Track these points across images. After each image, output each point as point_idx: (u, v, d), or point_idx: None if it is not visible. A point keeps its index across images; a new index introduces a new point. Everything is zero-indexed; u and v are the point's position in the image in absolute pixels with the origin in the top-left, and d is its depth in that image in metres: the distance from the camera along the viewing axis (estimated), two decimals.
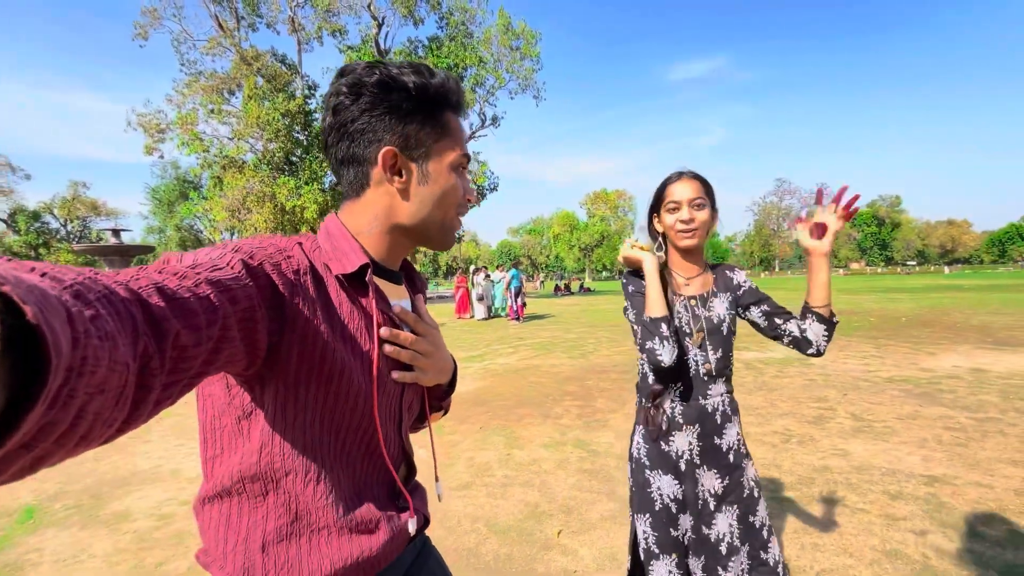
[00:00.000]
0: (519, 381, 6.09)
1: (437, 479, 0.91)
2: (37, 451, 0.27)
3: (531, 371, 6.65)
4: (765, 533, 1.38)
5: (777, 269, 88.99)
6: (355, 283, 0.68)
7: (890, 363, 6.20)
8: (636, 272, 1.43)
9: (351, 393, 0.65)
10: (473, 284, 14.36)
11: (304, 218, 17.76)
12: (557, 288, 32.14)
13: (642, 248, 1.39)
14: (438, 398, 0.90)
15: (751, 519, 1.38)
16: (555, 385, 5.78)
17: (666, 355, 1.29)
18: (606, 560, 2.30)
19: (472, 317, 14.21)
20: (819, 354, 1.38)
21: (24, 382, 0.25)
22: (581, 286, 34.85)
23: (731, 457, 1.39)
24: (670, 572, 1.34)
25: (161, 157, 18.43)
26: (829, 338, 1.37)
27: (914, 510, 2.60)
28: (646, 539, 1.38)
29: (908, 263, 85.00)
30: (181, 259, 0.50)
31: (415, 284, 0.87)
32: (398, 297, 0.78)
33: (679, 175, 1.39)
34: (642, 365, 1.47)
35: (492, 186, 21.62)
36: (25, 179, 51.56)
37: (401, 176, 0.69)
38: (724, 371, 1.40)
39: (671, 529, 1.36)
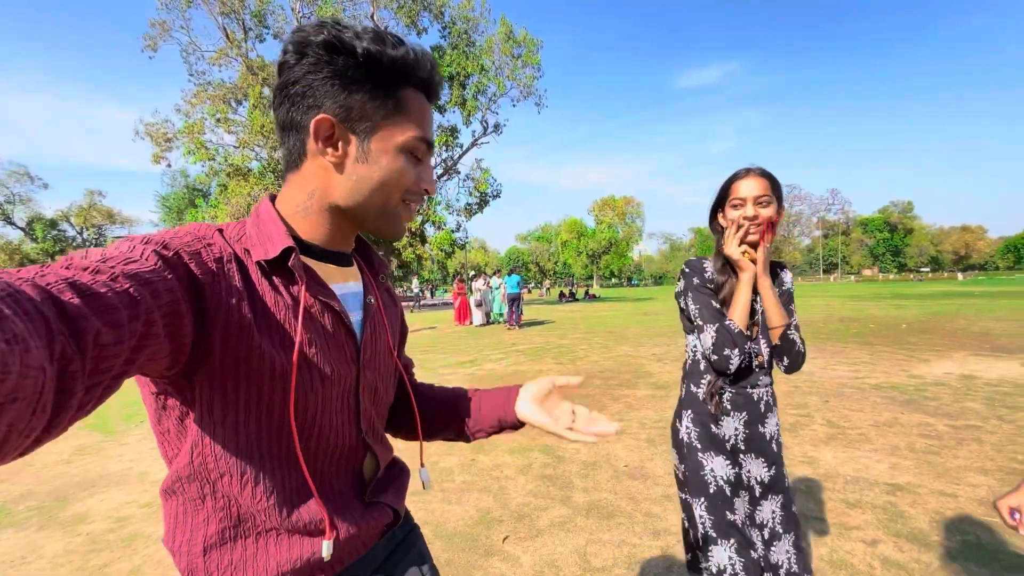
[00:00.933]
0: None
1: (423, 465, 0.87)
2: None
3: (516, 376, 6.62)
4: (801, 524, 1.46)
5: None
6: (280, 269, 0.62)
7: (880, 370, 6.08)
8: (696, 264, 1.48)
9: (285, 389, 0.60)
10: (472, 291, 14.38)
11: None
12: (562, 295, 32.07)
13: (752, 259, 1.38)
14: (440, 427, 0.89)
15: (792, 508, 1.43)
16: None
17: (735, 364, 1.35)
18: (545, 567, 2.27)
19: (471, 324, 14.21)
20: (786, 372, 1.44)
21: None
22: (587, 293, 34.75)
23: (774, 447, 1.44)
24: (730, 558, 1.32)
25: (168, 166, 18.77)
26: (784, 363, 1.42)
27: (870, 519, 2.54)
28: (703, 523, 1.38)
29: (921, 269, 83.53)
30: (87, 255, 0.45)
31: (373, 265, 0.81)
32: (344, 279, 0.72)
33: (746, 171, 1.40)
34: (694, 352, 1.50)
35: (495, 193, 21.65)
36: (43, 188, 52.81)
37: (337, 149, 0.62)
38: (770, 364, 1.46)
39: (727, 512, 1.36)
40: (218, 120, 18.55)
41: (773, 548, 1.38)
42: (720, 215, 1.47)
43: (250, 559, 0.62)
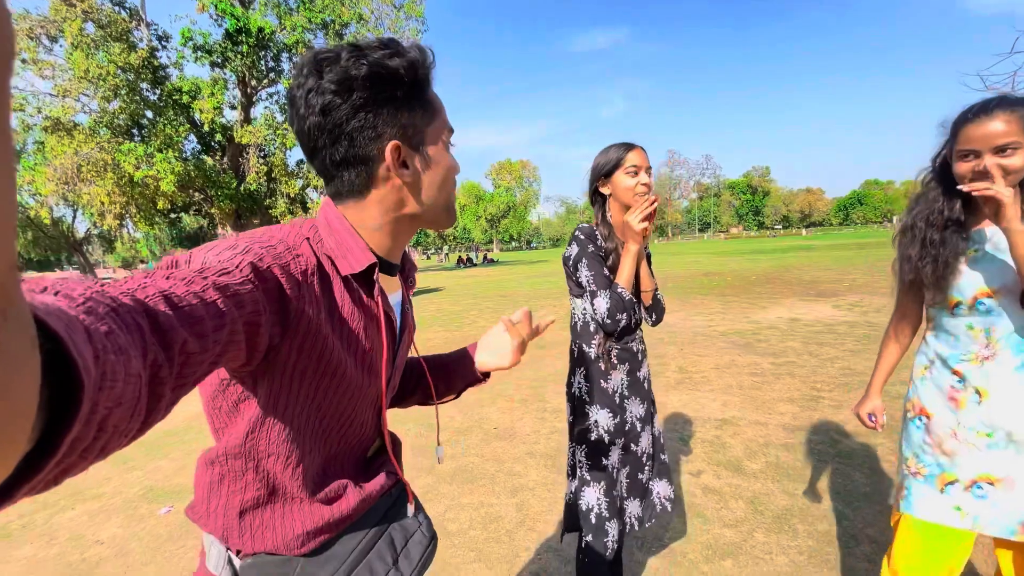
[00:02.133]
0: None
1: (439, 444, 1.00)
2: (64, 464, 0.28)
3: None
4: (662, 438, 1.71)
5: (670, 235, 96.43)
6: (360, 281, 0.68)
7: (728, 318, 6.90)
8: (589, 231, 1.54)
9: (343, 387, 0.67)
10: None
11: (160, 191, 15.57)
12: (460, 260, 31.91)
13: (645, 232, 1.44)
14: (445, 385, 1.00)
15: (655, 432, 1.67)
16: None
17: (624, 327, 1.46)
18: None
19: None
20: (653, 326, 1.65)
21: (54, 404, 0.26)
22: (485, 257, 34.94)
23: (646, 386, 1.62)
24: (598, 498, 1.51)
25: None
26: (652, 318, 1.61)
27: (698, 453, 2.87)
28: (581, 467, 1.56)
29: (776, 227, 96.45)
30: (190, 261, 0.51)
31: (404, 269, 0.85)
32: (393, 290, 0.79)
33: (633, 144, 1.50)
34: (584, 315, 1.59)
35: None
36: None
37: (407, 168, 0.66)
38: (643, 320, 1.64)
39: (602, 458, 1.52)
40: (24, 61, 15.05)
41: (647, 466, 1.61)
42: (601, 183, 1.54)
43: (278, 520, 0.70)
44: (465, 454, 3.10)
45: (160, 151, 15.63)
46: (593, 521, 1.52)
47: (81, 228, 32.73)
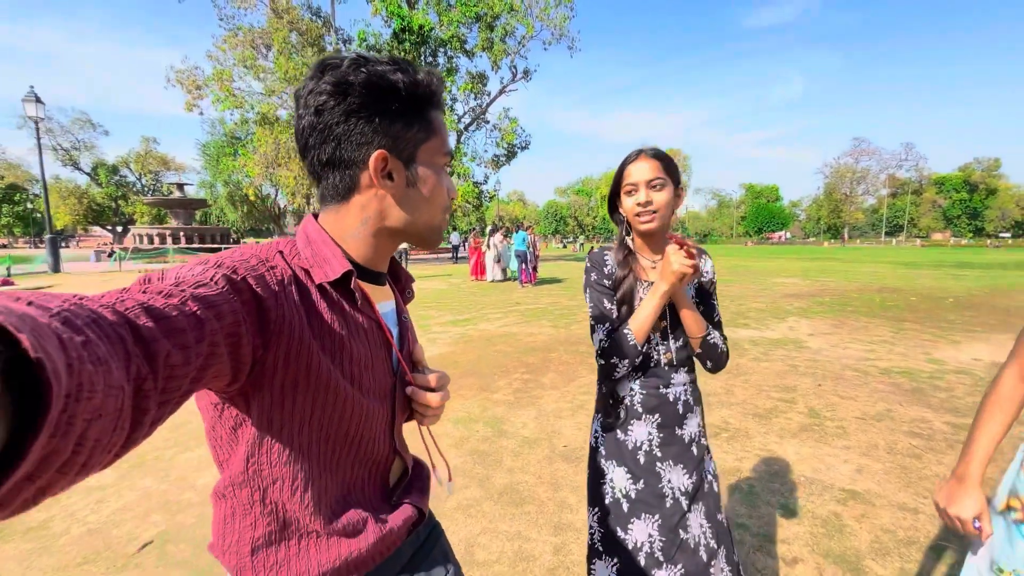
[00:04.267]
0: (487, 349, 5.92)
1: (433, 467, 0.91)
2: (40, 482, 0.28)
3: (505, 339, 6.46)
4: (731, 531, 1.35)
5: (847, 237, 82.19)
6: (339, 290, 0.67)
7: (898, 351, 5.49)
8: (598, 257, 1.35)
9: (339, 402, 0.65)
10: (489, 246, 14.13)
11: None
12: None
13: (688, 271, 1.17)
14: None
15: (719, 517, 1.32)
16: (517, 355, 5.57)
17: (622, 375, 1.26)
18: None
19: (487, 279, 14.07)
20: (711, 372, 1.36)
21: (22, 412, 0.26)
22: None
23: (694, 450, 1.32)
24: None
25: (201, 114, 19.06)
26: (708, 365, 1.33)
27: (802, 532, 2.24)
28: (592, 534, 1.33)
29: (1001, 235, 75.75)
30: (163, 277, 0.50)
31: (400, 280, 0.86)
32: (382, 299, 0.77)
33: (637, 154, 1.27)
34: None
35: (523, 144, 20.83)
36: (104, 135, 55.73)
37: (392, 180, 0.68)
38: (687, 360, 1.33)
39: (618, 529, 1.26)
40: (247, 67, 18.49)
41: (712, 568, 1.24)
42: (620, 203, 1.32)
43: (293, 559, 0.67)
44: (524, 470, 2.89)
45: None
46: None
47: (283, 204, 39.60)
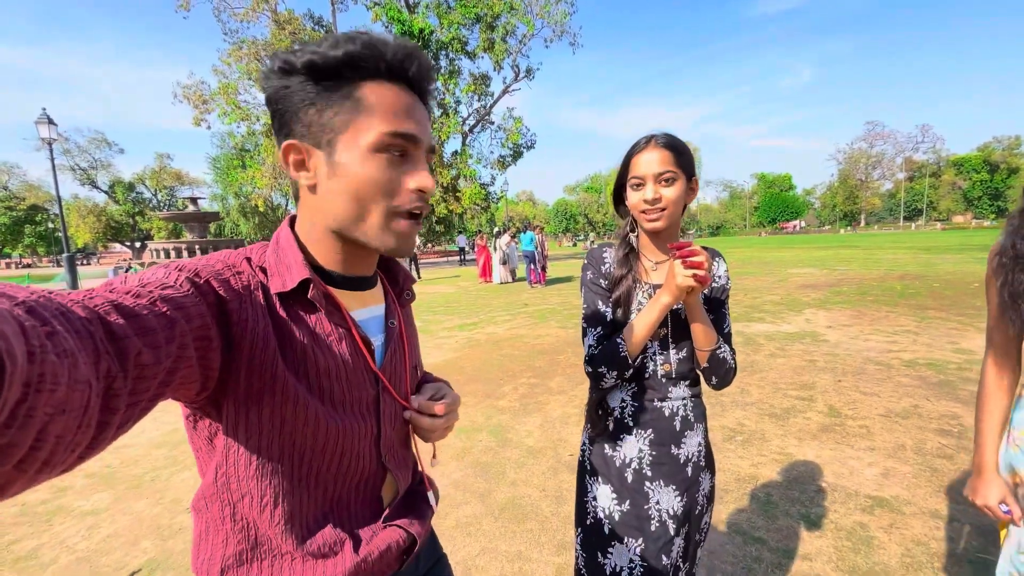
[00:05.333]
0: (493, 353, 5.81)
1: (433, 456, 0.87)
2: None
3: (512, 342, 6.34)
4: (698, 552, 1.26)
5: (863, 224, 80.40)
6: (301, 300, 0.63)
7: (923, 341, 5.24)
8: (597, 255, 1.23)
9: (308, 416, 0.61)
10: (495, 248, 14.03)
11: None
12: None
13: (693, 284, 1.04)
14: None
15: (697, 537, 1.23)
16: (524, 359, 5.45)
17: (610, 384, 1.16)
18: None
19: (494, 282, 13.96)
20: (715, 389, 1.22)
21: None
22: None
23: (689, 470, 1.19)
24: None
25: (208, 128, 19.24)
26: (713, 381, 1.19)
27: (826, 546, 2.08)
28: (577, 559, 1.24)
29: None
30: (126, 280, 0.48)
31: (397, 282, 0.81)
32: (365, 304, 0.72)
33: (647, 141, 1.12)
34: None
35: (528, 143, 20.62)
36: (119, 153, 56.89)
37: (308, 170, 0.61)
38: (688, 373, 1.20)
39: (598, 553, 1.17)
40: (252, 79, 18.63)
41: None
42: (625, 195, 1.18)
43: None
44: (527, 482, 2.77)
45: None
46: None
47: (294, 214, 40.11)
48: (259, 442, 0.60)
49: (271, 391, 0.58)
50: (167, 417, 4.04)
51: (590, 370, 1.15)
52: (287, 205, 37.51)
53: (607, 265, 1.20)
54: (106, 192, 55.41)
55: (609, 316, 1.17)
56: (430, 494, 0.81)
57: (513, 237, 14.30)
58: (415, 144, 0.62)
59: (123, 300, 0.42)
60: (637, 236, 1.21)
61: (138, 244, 55.68)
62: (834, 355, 4.91)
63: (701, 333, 1.12)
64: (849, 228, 74.83)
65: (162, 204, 58.80)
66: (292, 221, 0.68)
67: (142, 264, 22.39)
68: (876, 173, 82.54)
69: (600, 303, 1.18)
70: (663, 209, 1.09)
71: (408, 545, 0.73)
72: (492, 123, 20.85)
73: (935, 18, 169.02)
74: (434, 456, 0.82)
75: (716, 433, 3.25)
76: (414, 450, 0.82)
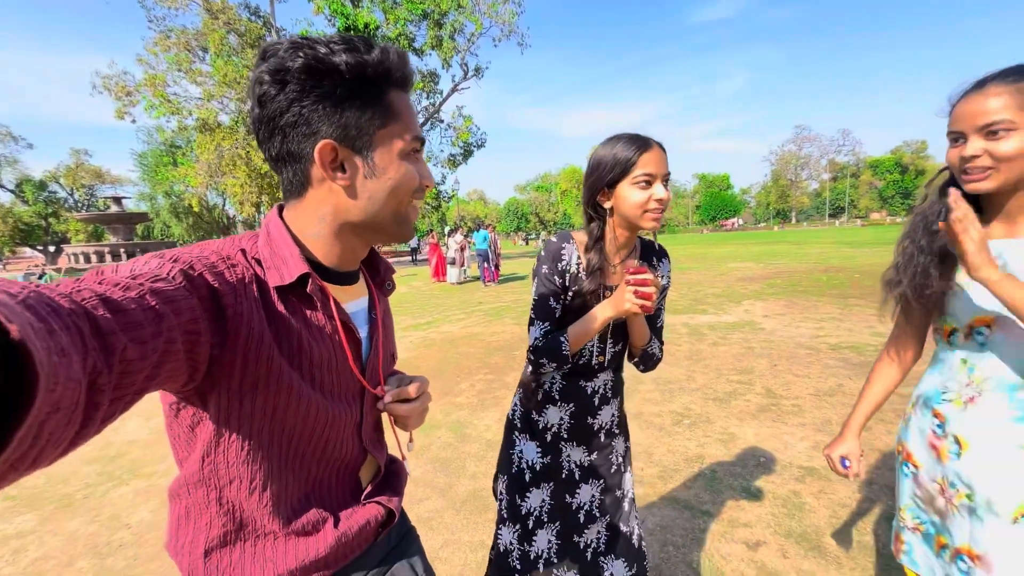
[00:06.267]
0: (449, 351, 5.79)
1: (410, 439, 0.88)
2: None
3: (467, 340, 6.35)
4: (627, 505, 1.38)
5: (794, 220, 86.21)
6: (296, 292, 0.64)
7: (845, 327, 5.73)
8: (555, 248, 1.22)
9: (300, 405, 0.63)
10: (448, 246, 13.94)
11: None
12: None
13: (637, 311, 1.10)
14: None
15: (617, 492, 1.38)
16: (481, 356, 5.47)
17: (548, 374, 1.29)
18: None
19: (447, 281, 13.88)
20: (641, 372, 1.38)
21: None
22: None
23: (601, 436, 1.35)
24: (511, 543, 1.32)
25: (133, 122, 17.86)
26: (640, 368, 1.36)
27: (763, 514, 2.26)
28: (500, 501, 1.37)
29: None
30: (116, 270, 0.47)
31: (379, 272, 0.83)
32: (353, 297, 0.74)
33: (649, 142, 1.13)
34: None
35: (479, 142, 20.61)
36: (28, 148, 51.70)
37: (344, 171, 0.62)
38: (618, 362, 1.34)
39: (517, 497, 1.32)
40: (182, 71, 17.49)
41: (587, 530, 1.34)
42: (603, 195, 1.16)
43: (248, 561, 0.64)
44: (488, 474, 2.81)
45: None
46: (508, 567, 1.31)
47: (232, 214, 37.88)
48: (251, 429, 0.61)
49: (266, 382, 0.59)
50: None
51: (532, 359, 1.22)
52: (224, 205, 35.50)
53: (564, 262, 1.20)
54: (12, 191, 50.19)
55: (558, 312, 1.21)
56: (406, 463, 0.88)
57: (466, 236, 14.25)
58: (423, 146, 0.69)
59: (111, 293, 0.41)
60: (613, 237, 1.20)
61: (52, 248, 50.82)
62: (770, 342, 5.28)
63: (638, 336, 1.26)
64: (781, 225, 79.95)
65: (80, 204, 53.96)
66: (279, 212, 0.68)
67: (58, 270, 20.50)
68: (804, 173, 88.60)
69: (551, 299, 1.20)
70: (663, 210, 1.13)
71: (385, 519, 0.77)
72: (442, 121, 20.67)
73: (855, 29, 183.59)
74: (411, 440, 0.85)
75: (666, 418, 3.43)
76: (393, 432, 0.86)
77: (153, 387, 0.46)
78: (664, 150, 1.14)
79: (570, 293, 1.21)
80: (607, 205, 1.16)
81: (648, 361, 1.32)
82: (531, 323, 1.24)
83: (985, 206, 1.00)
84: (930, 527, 1.10)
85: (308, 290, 0.63)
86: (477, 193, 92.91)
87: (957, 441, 1.02)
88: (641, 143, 1.11)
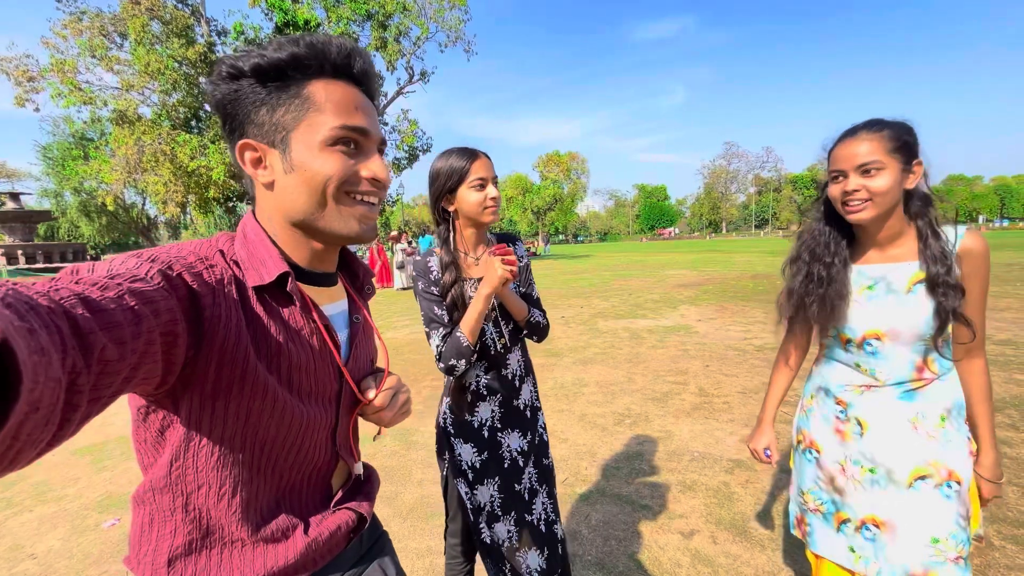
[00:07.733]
0: (394, 359, 5.68)
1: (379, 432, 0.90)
2: None
3: (414, 346, 6.26)
4: (553, 472, 1.56)
5: (724, 230, 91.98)
6: (275, 293, 0.63)
7: (770, 330, 6.19)
8: (422, 265, 1.38)
9: (275, 409, 0.62)
10: (393, 252, 13.67)
11: (212, 180, 16.25)
12: None
13: (510, 277, 1.25)
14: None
15: (545, 462, 1.52)
16: (427, 364, 5.41)
17: (461, 371, 1.33)
18: None
19: (394, 287, 13.60)
20: (538, 343, 1.51)
21: None
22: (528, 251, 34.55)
23: (528, 413, 1.48)
24: (481, 530, 1.40)
25: (37, 110, 16.18)
26: (535, 339, 1.49)
27: (696, 505, 2.41)
28: (446, 505, 1.52)
29: None
30: (93, 269, 0.47)
31: (358, 277, 0.83)
32: (332, 300, 0.74)
33: (476, 153, 1.32)
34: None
35: (425, 147, 20.43)
36: None
37: (266, 168, 0.62)
38: (518, 341, 1.47)
39: (465, 496, 1.41)
40: (96, 57, 16.06)
41: (534, 505, 1.45)
42: (446, 200, 1.34)
43: (214, 569, 0.63)
44: (435, 480, 2.79)
45: (213, 142, 16.30)
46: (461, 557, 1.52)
47: (153, 214, 35.04)
48: (222, 433, 0.60)
49: (240, 385, 0.58)
50: None
51: (442, 366, 1.31)
52: (144, 204, 32.80)
53: (434, 273, 1.36)
54: None
55: (446, 317, 1.34)
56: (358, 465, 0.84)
57: (410, 243, 14.05)
58: (366, 137, 0.64)
59: (89, 292, 0.40)
60: (461, 236, 1.38)
61: None
62: (703, 344, 5.61)
63: (516, 308, 1.39)
64: (712, 234, 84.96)
65: None
66: (254, 214, 0.68)
67: None
68: (733, 187, 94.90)
69: (435, 307, 1.34)
70: (496, 207, 1.33)
71: (357, 524, 0.76)
72: (386, 124, 20.29)
73: (781, 55, 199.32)
74: (379, 432, 0.86)
75: (608, 418, 3.56)
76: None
77: (128, 388, 0.46)
78: (490, 158, 1.33)
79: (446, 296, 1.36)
80: (451, 208, 1.34)
81: (535, 329, 1.45)
82: (428, 337, 1.35)
83: (860, 237, 1.19)
84: (831, 505, 1.23)
85: (288, 288, 0.62)
86: (423, 198, 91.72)
87: (859, 423, 1.17)
88: (470, 154, 1.30)
